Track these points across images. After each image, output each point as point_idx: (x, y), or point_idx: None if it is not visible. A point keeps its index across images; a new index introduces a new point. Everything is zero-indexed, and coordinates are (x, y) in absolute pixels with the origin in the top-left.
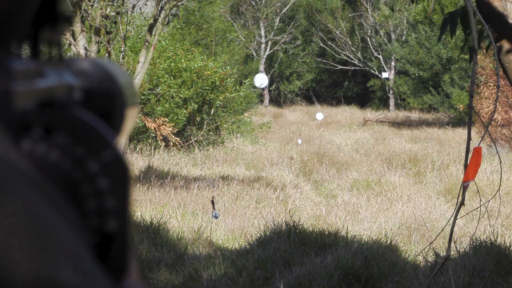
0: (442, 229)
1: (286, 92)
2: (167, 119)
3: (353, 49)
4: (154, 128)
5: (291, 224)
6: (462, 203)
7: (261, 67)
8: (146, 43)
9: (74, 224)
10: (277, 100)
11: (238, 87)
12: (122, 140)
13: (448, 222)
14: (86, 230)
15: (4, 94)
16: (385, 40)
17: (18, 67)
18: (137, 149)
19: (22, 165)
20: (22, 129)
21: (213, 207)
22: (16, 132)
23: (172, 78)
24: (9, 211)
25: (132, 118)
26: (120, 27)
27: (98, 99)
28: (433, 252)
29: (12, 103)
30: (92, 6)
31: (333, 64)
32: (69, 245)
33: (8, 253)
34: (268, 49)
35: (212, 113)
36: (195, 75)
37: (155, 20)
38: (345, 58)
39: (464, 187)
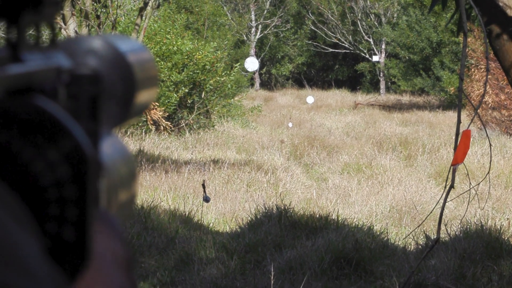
0: (431, 212)
1: (277, 75)
2: (157, 103)
3: (343, 31)
4: (145, 112)
5: (282, 208)
6: (451, 186)
7: (252, 50)
8: (137, 27)
9: (24, 222)
10: (268, 83)
11: (228, 71)
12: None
13: (437, 204)
14: (44, 223)
15: None
16: (376, 23)
17: None
18: (128, 133)
19: None
20: None
21: (204, 191)
22: None
23: (162, 62)
24: None
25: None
26: (111, 11)
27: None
28: (423, 235)
29: None
30: None
31: (323, 47)
32: (17, 247)
33: None
34: (258, 33)
35: (202, 96)
36: (186, 57)
37: (145, 4)
38: (335, 41)
39: (453, 170)
